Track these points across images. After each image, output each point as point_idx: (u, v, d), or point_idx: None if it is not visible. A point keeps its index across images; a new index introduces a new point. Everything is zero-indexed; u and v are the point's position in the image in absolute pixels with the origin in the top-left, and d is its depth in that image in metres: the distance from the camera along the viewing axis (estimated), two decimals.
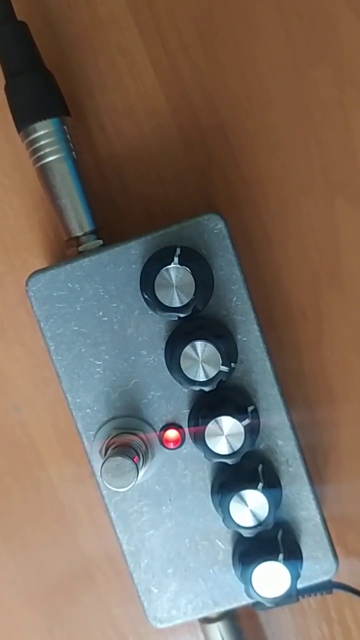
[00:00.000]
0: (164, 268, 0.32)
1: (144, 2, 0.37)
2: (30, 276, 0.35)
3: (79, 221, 0.35)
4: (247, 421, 0.33)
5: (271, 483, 0.34)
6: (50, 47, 0.37)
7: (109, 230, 0.36)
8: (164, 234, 0.34)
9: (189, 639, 0.42)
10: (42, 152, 0.35)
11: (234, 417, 0.33)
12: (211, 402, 0.34)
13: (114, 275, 0.34)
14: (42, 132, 0.34)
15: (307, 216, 0.38)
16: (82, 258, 0.35)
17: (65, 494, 0.41)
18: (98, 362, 0.35)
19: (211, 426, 0.33)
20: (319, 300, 0.39)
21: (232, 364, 0.33)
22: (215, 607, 0.36)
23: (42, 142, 0.34)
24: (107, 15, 0.37)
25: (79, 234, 0.35)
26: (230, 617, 0.38)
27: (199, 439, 0.33)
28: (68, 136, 0.35)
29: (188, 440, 0.35)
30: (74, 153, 0.35)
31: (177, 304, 0.32)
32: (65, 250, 0.36)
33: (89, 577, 0.41)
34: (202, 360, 0.33)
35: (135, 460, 0.33)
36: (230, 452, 0.33)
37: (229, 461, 0.34)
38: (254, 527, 0.34)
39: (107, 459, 0.32)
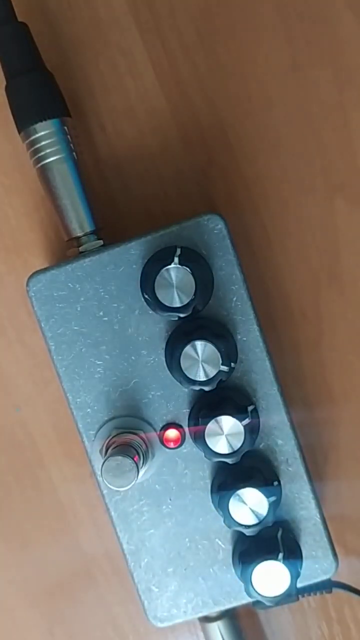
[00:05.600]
0: (164, 268, 0.32)
1: (144, 2, 0.37)
2: (31, 276, 0.35)
3: (79, 221, 0.35)
4: (247, 421, 0.33)
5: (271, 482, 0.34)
6: (50, 47, 0.37)
7: (109, 230, 0.36)
8: (164, 234, 0.34)
9: (189, 638, 0.42)
10: (42, 153, 0.35)
11: (234, 416, 0.33)
12: (211, 402, 0.34)
13: (115, 276, 0.35)
14: (42, 133, 0.34)
15: (307, 216, 0.38)
16: (82, 258, 0.35)
17: (65, 494, 0.41)
18: (98, 362, 0.35)
19: (211, 426, 0.33)
20: (319, 300, 0.39)
21: (232, 364, 0.33)
22: (215, 606, 0.36)
23: (43, 143, 0.34)
24: (107, 16, 0.37)
25: (79, 234, 0.36)
26: (230, 616, 0.38)
27: (199, 439, 0.33)
28: (68, 137, 0.35)
29: (188, 439, 0.35)
30: (74, 153, 0.35)
31: (177, 304, 0.32)
32: (66, 250, 0.36)
33: (90, 576, 0.42)
34: (202, 360, 0.33)
35: (135, 459, 0.33)
36: (230, 451, 0.33)
37: (229, 460, 0.34)
38: (254, 525, 0.34)
39: (107, 458, 0.33)
